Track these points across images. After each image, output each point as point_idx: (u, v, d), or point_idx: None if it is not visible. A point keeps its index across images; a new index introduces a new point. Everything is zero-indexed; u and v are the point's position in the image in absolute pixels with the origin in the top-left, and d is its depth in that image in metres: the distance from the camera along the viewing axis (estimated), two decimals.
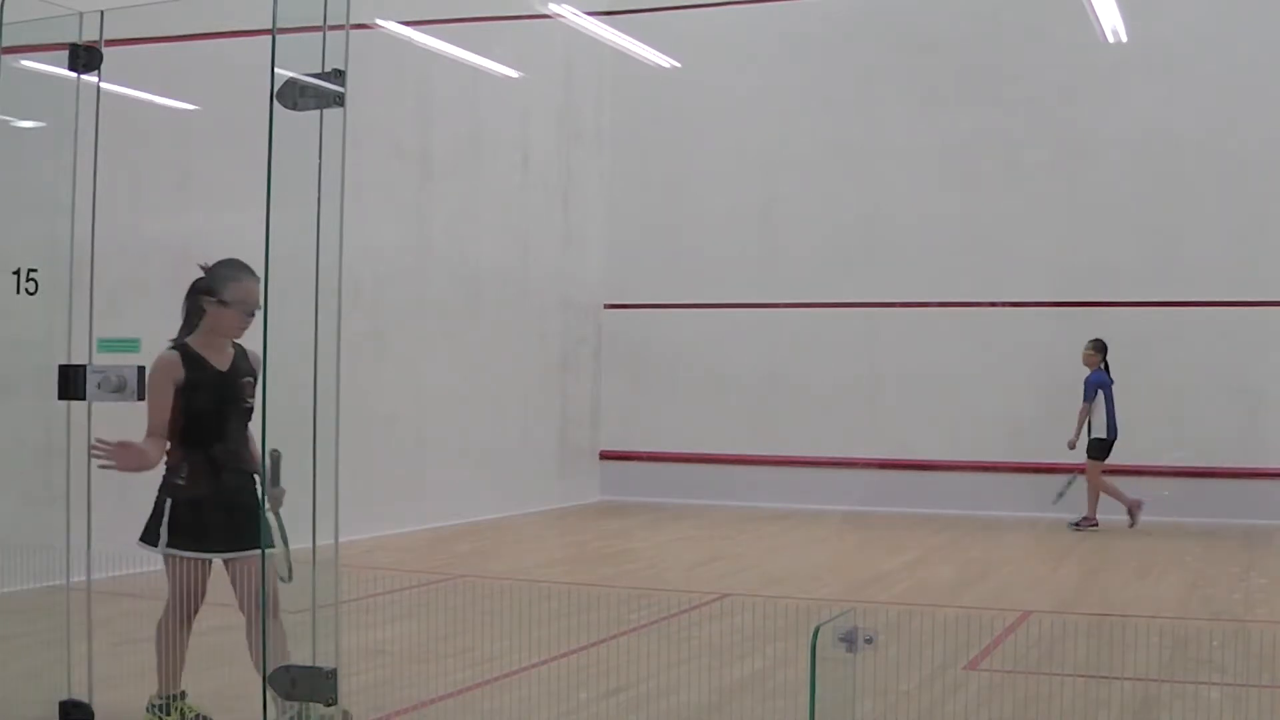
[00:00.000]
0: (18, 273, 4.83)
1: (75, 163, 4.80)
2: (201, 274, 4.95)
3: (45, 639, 4.91)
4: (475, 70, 13.13)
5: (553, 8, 13.33)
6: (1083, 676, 6.23)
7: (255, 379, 4.83)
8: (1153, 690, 6.00)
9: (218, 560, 4.93)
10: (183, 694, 4.97)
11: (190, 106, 9.78)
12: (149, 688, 5.01)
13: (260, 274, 4.30)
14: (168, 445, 4.87)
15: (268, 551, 4.47)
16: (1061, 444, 12.79)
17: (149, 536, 4.87)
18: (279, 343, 4.20)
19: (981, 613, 7.96)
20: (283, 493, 4.40)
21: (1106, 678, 6.18)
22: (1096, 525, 12.71)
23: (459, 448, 13.01)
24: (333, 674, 4.26)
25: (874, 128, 14.85)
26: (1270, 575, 10.11)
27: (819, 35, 15.06)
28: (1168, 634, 7.31)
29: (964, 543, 11.95)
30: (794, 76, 15.13)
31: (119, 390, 4.65)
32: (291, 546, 4.53)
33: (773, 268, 15.21)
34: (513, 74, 13.67)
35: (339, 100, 4.13)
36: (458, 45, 12.64)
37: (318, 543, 4.18)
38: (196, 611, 4.93)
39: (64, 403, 4.77)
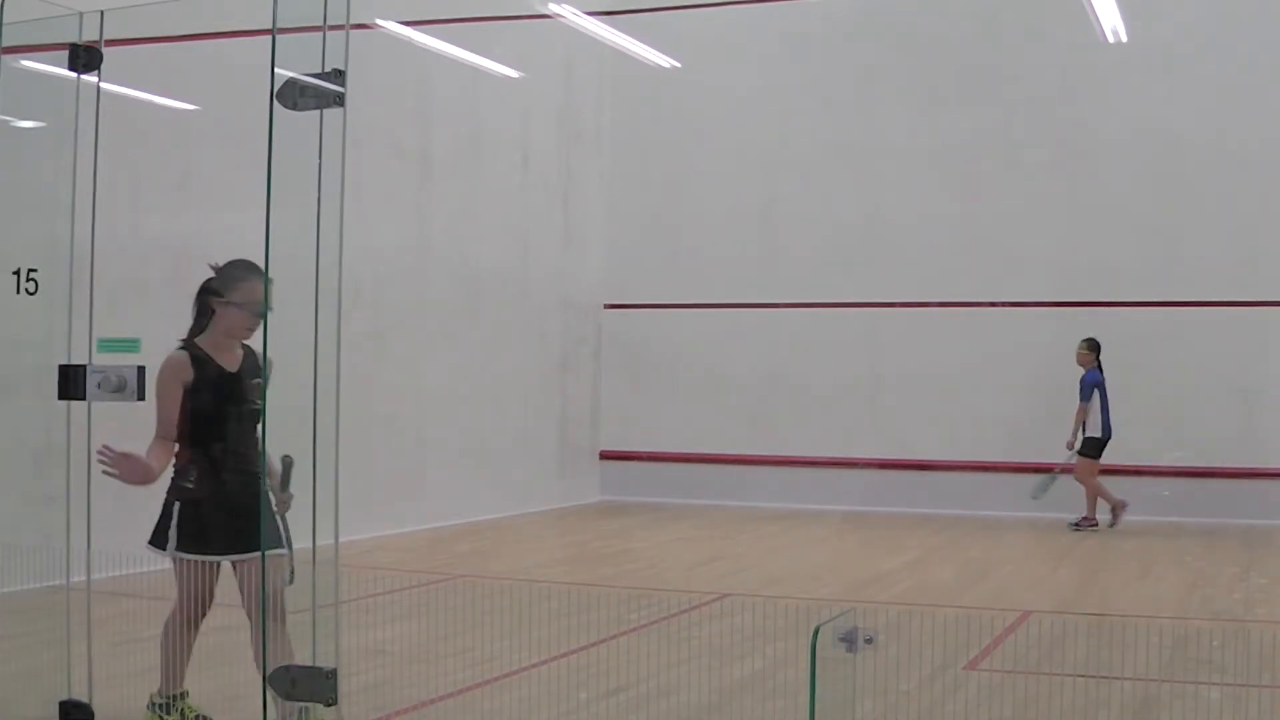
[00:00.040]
0: (18, 273, 4.83)
1: (75, 163, 4.80)
2: (212, 274, 4.92)
3: (45, 639, 4.92)
4: (475, 70, 13.13)
5: (553, 8, 13.33)
6: (1083, 677, 6.23)
7: (264, 380, 4.82)
8: (1153, 690, 6.00)
9: (226, 563, 4.92)
10: (184, 693, 4.97)
11: (190, 106, 9.77)
12: (149, 687, 5.01)
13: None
14: (175, 448, 4.85)
15: (273, 555, 4.47)
16: (1061, 444, 12.79)
17: (158, 539, 4.85)
18: (279, 342, 4.20)
19: (981, 613, 7.97)
20: (291, 498, 4.40)
21: (1106, 678, 6.17)
22: (1096, 525, 12.70)
23: (459, 448, 13.02)
24: (333, 674, 4.26)
25: (874, 128, 14.85)
26: (1270, 575, 10.11)
27: (819, 35, 15.06)
28: (1168, 634, 7.32)
29: (964, 543, 11.95)
30: (794, 76, 15.13)
31: (119, 390, 4.65)
32: (294, 548, 4.54)
33: (773, 268, 15.21)
34: (513, 74, 13.67)
35: (339, 100, 4.13)
36: (458, 45, 12.64)
37: (318, 542, 4.19)
38: (204, 614, 4.92)
39: (64, 403, 4.77)
